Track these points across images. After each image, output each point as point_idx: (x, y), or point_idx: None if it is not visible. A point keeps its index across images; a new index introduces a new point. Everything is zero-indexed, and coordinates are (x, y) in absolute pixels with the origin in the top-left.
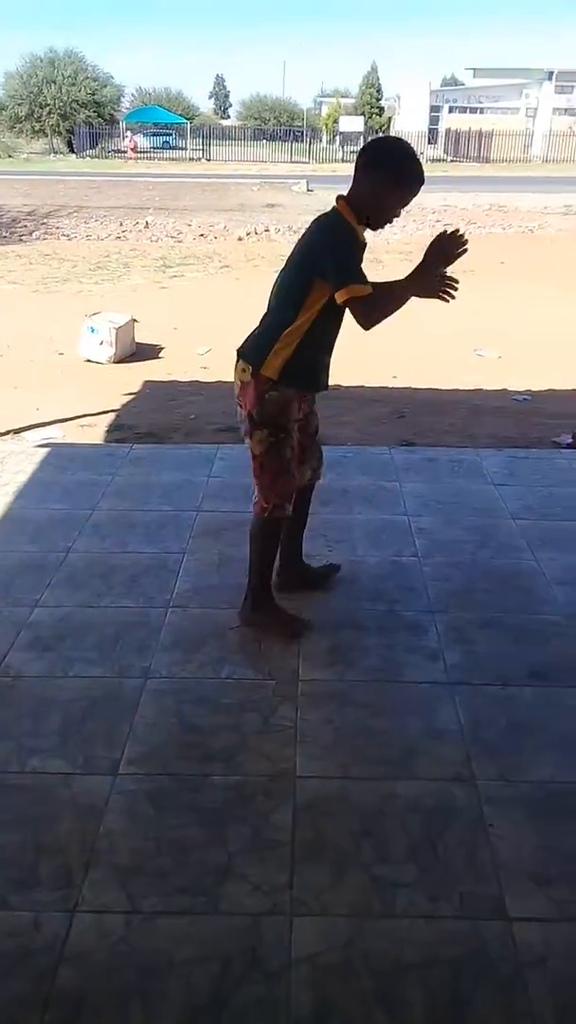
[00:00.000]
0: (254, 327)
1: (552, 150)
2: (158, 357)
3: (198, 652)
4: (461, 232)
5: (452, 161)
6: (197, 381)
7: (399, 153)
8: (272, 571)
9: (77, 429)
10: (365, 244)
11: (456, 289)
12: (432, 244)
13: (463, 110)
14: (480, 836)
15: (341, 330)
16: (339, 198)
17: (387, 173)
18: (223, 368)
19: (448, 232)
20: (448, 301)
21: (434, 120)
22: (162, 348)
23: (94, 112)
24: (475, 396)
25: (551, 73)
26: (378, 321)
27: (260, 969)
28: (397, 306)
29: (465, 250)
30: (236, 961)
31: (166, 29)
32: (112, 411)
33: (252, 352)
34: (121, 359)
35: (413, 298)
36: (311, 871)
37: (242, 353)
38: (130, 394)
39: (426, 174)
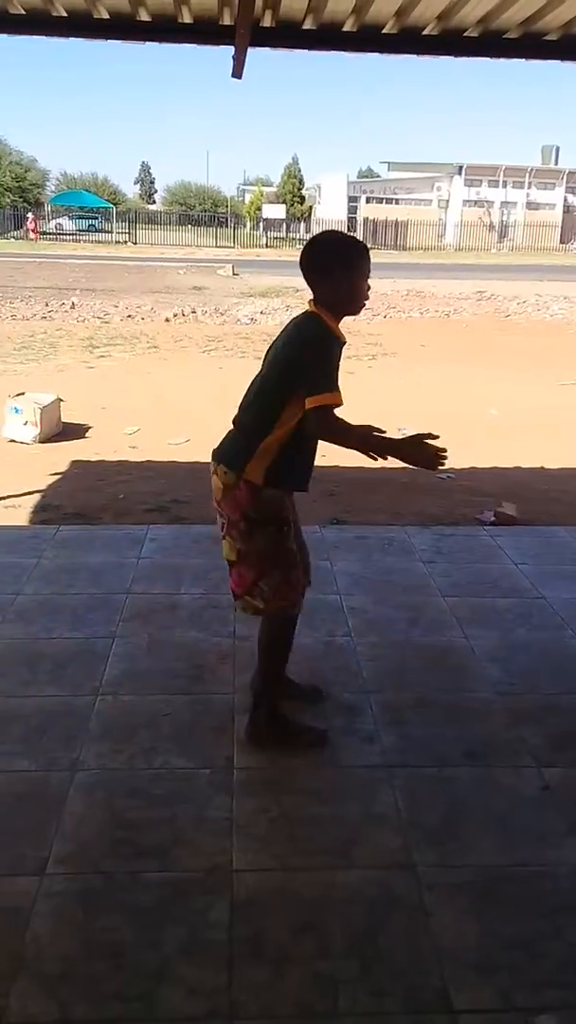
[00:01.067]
0: (228, 430)
1: (464, 239)
2: (85, 436)
3: (129, 741)
4: (441, 451)
5: (371, 248)
6: (126, 461)
7: (337, 244)
8: (281, 677)
9: (0, 510)
10: (345, 341)
11: (445, 459)
12: (415, 444)
13: (379, 200)
14: (422, 925)
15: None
16: (314, 304)
17: (340, 264)
18: (152, 448)
19: (431, 441)
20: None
21: (352, 209)
22: (89, 427)
23: (19, 196)
24: (402, 474)
25: (460, 168)
26: (330, 437)
27: None
28: (352, 445)
29: (443, 459)
30: None
31: (91, 116)
32: (38, 491)
33: (230, 458)
34: (47, 439)
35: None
36: (250, 970)
37: (220, 458)
38: (57, 474)
39: None
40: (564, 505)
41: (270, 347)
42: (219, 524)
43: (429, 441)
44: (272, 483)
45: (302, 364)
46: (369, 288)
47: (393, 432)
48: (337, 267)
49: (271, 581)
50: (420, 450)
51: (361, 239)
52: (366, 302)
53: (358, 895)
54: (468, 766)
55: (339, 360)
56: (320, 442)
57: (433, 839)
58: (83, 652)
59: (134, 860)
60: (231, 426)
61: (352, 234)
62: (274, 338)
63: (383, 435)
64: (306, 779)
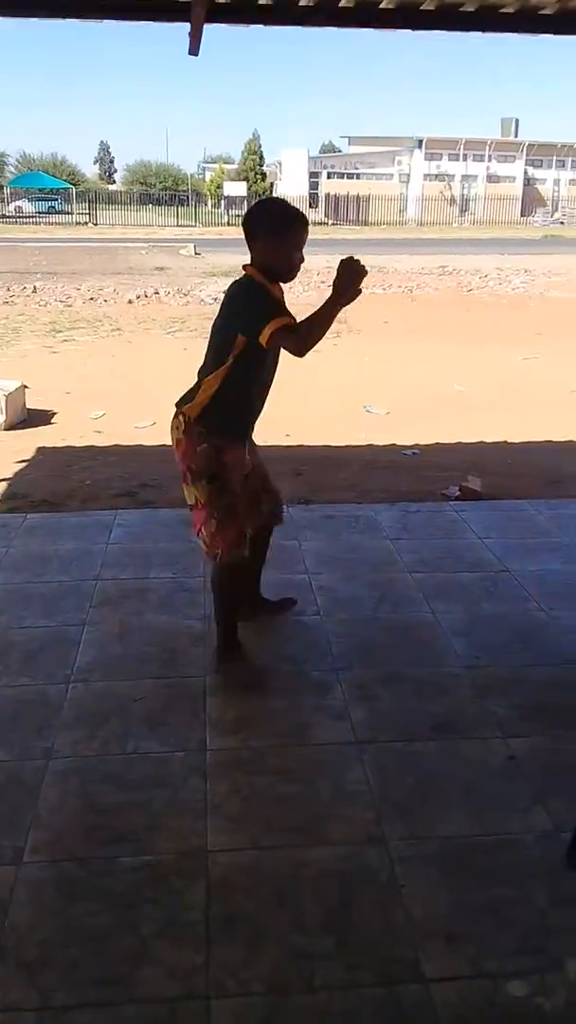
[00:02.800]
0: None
1: (425, 213)
2: (51, 423)
3: (102, 728)
4: (356, 257)
5: (333, 224)
6: (92, 446)
7: (269, 212)
8: (236, 616)
9: None
10: (282, 296)
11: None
12: (341, 267)
13: (340, 176)
14: (393, 897)
15: None
16: (246, 266)
17: (268, 232)
18: (118, 432)
19: (348, 258)
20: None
21: (314, 185)
22: (54, 413)
23: None
24: (367, 452)
25: (420, 141)
26: (311, 344)
27: None
28: (327, 326)
29: (366, 270)
30: None
31: (48, 97)
32: (4, 480)
33: (184, 399)
34: (12, 426)
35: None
36: (227, 949)
37: (177, 403)
38: (23, 461)
39: (310, 237)
40: (527, 479)
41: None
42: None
43: (350, 262)
44: (207, 419)
45: (240, 307)
46: (302, 260)
47: (359, 411)
48: (271, 234)
49: (209, 528)
50: (350, 271)
51: (300, 210)
52: (296, 271)
53: (331, 871)
54: (436, 740)
55: (283, 307)
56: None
57: (403, 812)
58: (54, 640)
59: (110, 845)
60: None
61: (296, 205)
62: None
63: (326, 303)
64: (278, 758)
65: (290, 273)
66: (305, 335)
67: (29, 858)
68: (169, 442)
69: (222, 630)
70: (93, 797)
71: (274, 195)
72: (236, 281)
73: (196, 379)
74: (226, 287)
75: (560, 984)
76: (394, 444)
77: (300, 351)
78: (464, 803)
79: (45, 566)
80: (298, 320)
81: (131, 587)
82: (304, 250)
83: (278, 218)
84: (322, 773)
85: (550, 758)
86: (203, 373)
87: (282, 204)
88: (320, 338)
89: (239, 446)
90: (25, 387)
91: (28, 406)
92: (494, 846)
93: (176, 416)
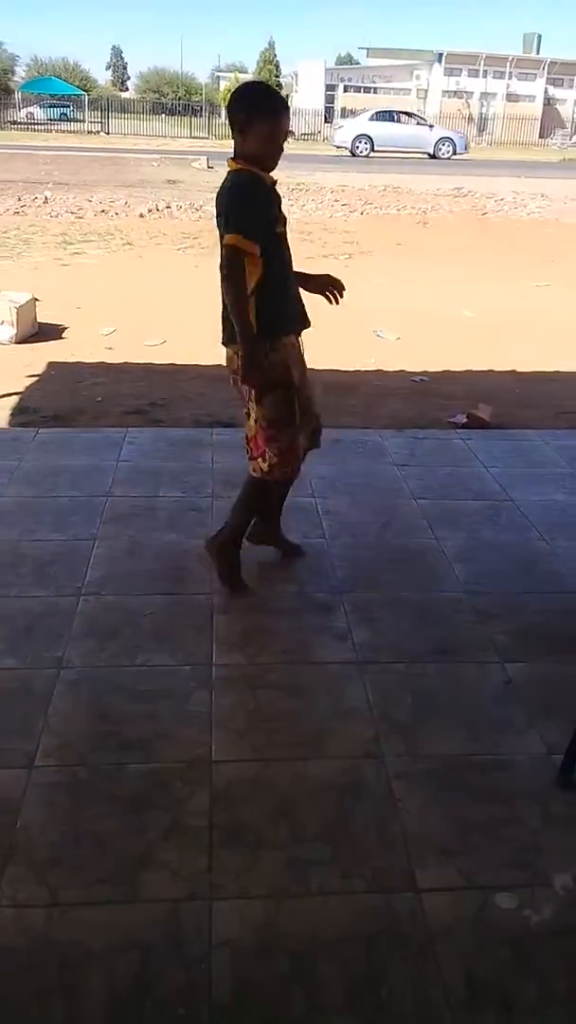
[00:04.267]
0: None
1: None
2: (61, 337)
3: (111, 640)
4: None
5: None
6: (103, 363)
7: (247, 95)
8: (248, 527)
9: None
10: (274, 183)
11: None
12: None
13: (357, 89)
14: (390, 811)
15: None
16: (230, 160)
17: (246, 113)
18: (128, 349)
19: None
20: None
21: (330, 99)
22: (65, 328)
23: None
24: (375, 377)
25: (440, 55)
26: (223, 282)
27: (181, 956)
28: (235, 313)
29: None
30: (157, 949)
31: None
32: (16, 394)
33: (228, 334)
34: (23, 339)
35: None
36: (229, 855)
37: (224, 342)
38: (34, 376)
39: (324, 153)
40: (535, 408)
41: None
42: (242, 403)
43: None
44: (265, 330)
45: (226, 207)
46: (285, 138)
47: (369, 336)
48: (246, 116)
49: (276, 446)
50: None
51: (278, 92)
52: (279, 153)
53: (329, 784)
54: (436, 662)
55: (271, 209)
56: None
57: (401, 731)
58: (66, 554)
59: (118, 752)
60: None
61: (272, 86)
62: None
63: (244, 338)
64: (281, 675)
65: (275, 158)
66: (225, 278)
67: (40, 762)
68: (179, 362)
69: (232, 529)
70: (102, 706)
71: (290, 107)
72: (226, 178)
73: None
74: None
75: (547, 899)
76: (403, 370)
77: (221, 273)
78: (460, 724)
79: (56, 481)
80: (246, 272)
81: (141, 505)
82: (320, 168)
83: (255, 98)
84: (323, 691)
85: (545, 684)
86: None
87: (270, 87)
88: (224, 292)
89: (292, 337)
90: (36, 300)
91: (39, 320)
92: (488, 766)
93: (227, 350)
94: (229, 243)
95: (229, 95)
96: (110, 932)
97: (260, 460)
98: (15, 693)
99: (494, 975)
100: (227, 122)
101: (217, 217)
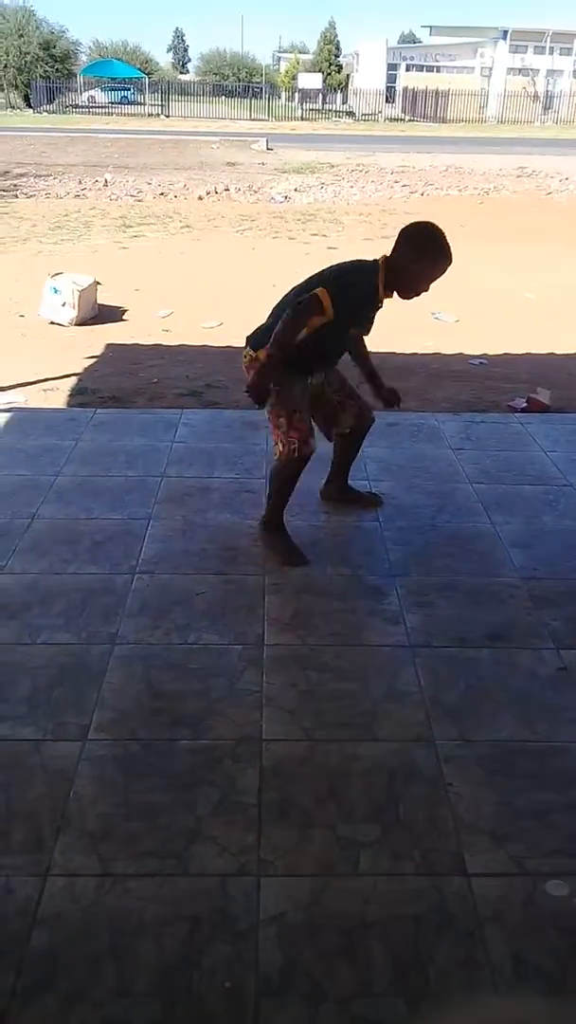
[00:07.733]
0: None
1: (507, 111)
2: (120, 319)
3: (164, 618)
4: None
5: (410, 121)
6: (159, 345)
7: (438, 242)
8: (286, 504)
9: (40, 393)
10: (380, 304)
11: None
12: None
13: (420, 68)
14: (440, 795)
15: None
16: (384, 258)
17: (428, 257)
18: (185, 331)
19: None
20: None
21: (391, 78)
22: (124, 310)
23: (51, 67)
24: (433, 360)
25: (505, 32)
26: (287, 318)
27: (228, 929)
28: (276, 347)
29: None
30: (205, 921)
31: None
32: (75, 375)
33: (254, 341)
34: (83, 321)
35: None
36: (277, 832)
37: (249, 342)
38: (92, 357)
39: (385, 134)
40: None
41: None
42: None
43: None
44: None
45: (335, 275)
46: (427, 289)
47: (427, 318)
48: (428, 259)
49: (279, 428)
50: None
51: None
52: (415, 297)
53: (379, 766)
54: (489, 647)
55: (362, 308)
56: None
57: (453, 715)
58: (120, 532)
59: (170, 728)
60: (266, 315)
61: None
62: None
63: (264, 371)
64: (333, 656)
65: (412, 295)
66: (287, 318)
67: (94, 736)
68: (236, 344)
69: (272, 510)
70: (154, 682)
71: (349, 88)
72: (361, 263)
73: (269, 318)
74: (297, 183)
75: None
76: (461, 353)
77: (279, 327)
78: (513, 710)
79: (113, 460)
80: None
81: (195, 485)
82: (380, 149)
83: (443, 251)
84: (375, 673)
85: None
86: (274, 324)
87: (442, 238)
88: (276, 343)
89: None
90: (97, 283)
91: (99, 302)
92: (541, 752)
93: (246, 348)
94: (318, 294)
95: (423, 229)
96: (159, 904)
97: (279, 444)
98: (70, 668)
99: (543, 960)
100: (403, 234)
101: (322, 271)
